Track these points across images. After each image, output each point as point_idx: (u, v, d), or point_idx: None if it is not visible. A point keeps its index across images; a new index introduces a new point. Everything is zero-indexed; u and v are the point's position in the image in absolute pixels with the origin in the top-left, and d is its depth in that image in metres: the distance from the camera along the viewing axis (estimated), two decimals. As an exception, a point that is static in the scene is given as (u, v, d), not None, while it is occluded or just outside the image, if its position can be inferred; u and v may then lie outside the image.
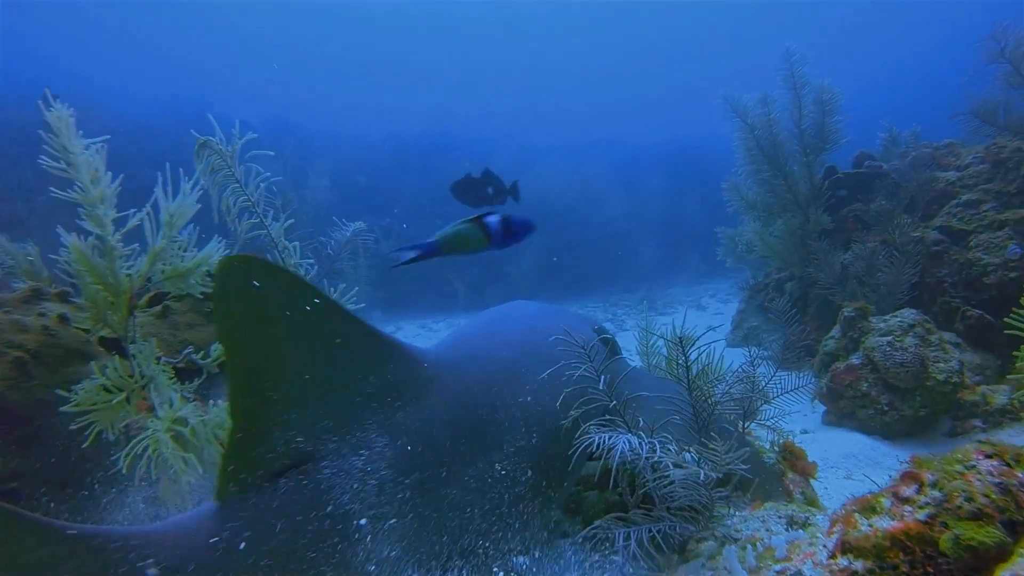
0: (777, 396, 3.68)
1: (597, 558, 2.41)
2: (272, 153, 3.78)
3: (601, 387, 2.49)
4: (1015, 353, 5.72)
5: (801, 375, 5.74)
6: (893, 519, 1.52)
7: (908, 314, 5.07)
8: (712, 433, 2.51)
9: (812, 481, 3.28)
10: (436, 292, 14.42)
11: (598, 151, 19.54)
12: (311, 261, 4.17)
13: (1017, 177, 6.28)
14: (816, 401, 5.43)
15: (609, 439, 2.47)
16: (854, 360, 5.04)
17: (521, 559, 2.36)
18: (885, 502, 1.60)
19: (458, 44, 42.06)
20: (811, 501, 3.09)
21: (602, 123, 25.04)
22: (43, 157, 2.73)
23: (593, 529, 2.42)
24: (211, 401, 3.08)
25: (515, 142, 19.66)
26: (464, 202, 5.98)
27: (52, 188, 2.73)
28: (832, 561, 1.66)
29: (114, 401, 2.62)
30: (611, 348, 3.27)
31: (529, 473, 2.42)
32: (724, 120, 7.79)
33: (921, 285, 6.11)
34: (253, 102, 23.43)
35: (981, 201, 6.31)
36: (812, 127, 7.27)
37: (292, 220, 3.85)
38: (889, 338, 4.90)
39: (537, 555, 2.39)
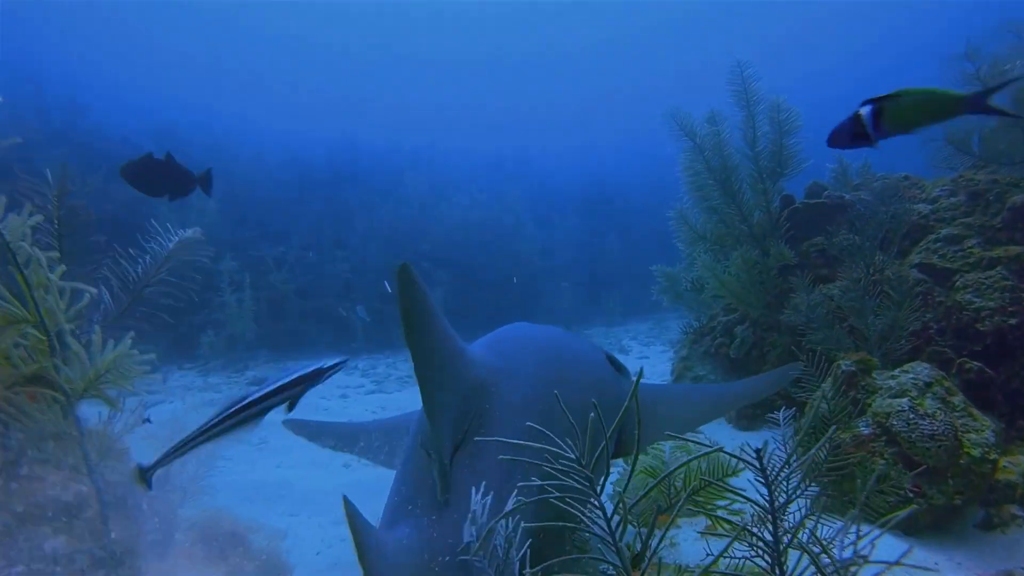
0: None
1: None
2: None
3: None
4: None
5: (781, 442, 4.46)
6: None
7: (921, 370, 3.94)
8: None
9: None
10: (332, 329, 12.63)
11: (511, 186, 18.39)
12: (91, 289, 2.51)
13: (1000, 211, 5.42)
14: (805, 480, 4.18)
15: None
16: (862, 429, 3.83)
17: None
18: None
19: (366, 66, 40.66)
20: None
21: (516, 157, 24.01)
22: None
23: None
24: None
25: (426, 173, 18.23)
26: (138, 188, 4.51)
27: None
28: None
29: None
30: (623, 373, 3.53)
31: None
32: (669, 141, 6.70)
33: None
34: (139, 110, 20.77)
35: (963, 236, 5.40)
36: (768, 149, 6.27)
37: (40, 216, 2.23)
38: (906, 400, 3.73)
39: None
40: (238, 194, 15.53)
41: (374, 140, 21.39)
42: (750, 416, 5.81)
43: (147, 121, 17.96)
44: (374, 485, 4.65)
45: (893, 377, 3.96)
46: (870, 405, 3.89)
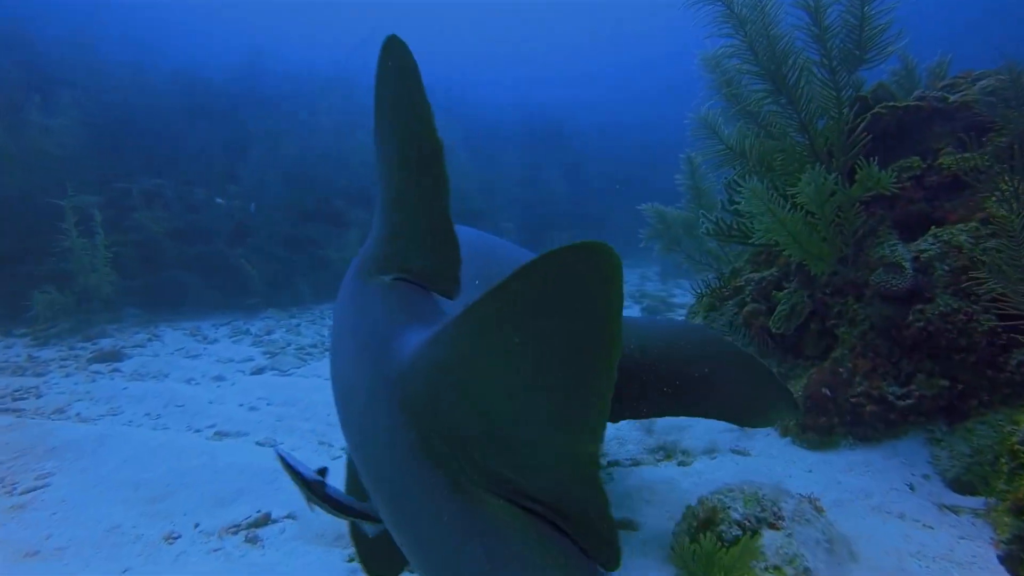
0: None
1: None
2: None
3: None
4: None
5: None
6: None
7: None
8: None
9: None
10: (222, 281, 9.91)
11: (445, 117, 15.69)
12: None
13: None
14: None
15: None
16: None
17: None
18: None
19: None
20: None
21: (449, 84, 21.05)
22: None
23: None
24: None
25: (342, 97, 15.25)
26: None
27: None
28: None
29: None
30: None
31: None
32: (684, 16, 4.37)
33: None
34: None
35: None
36: (841, 23, 4.02)
37: None
38: None
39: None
40: (110, 112, 12.28)
41: (285, 57, 18.06)
42: (822, 428, 3.73)
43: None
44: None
45: None
46: None
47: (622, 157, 18.44)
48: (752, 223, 3.99)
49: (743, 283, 4.76)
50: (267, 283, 9.98)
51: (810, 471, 3.44)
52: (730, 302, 4.80)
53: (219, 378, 6.30)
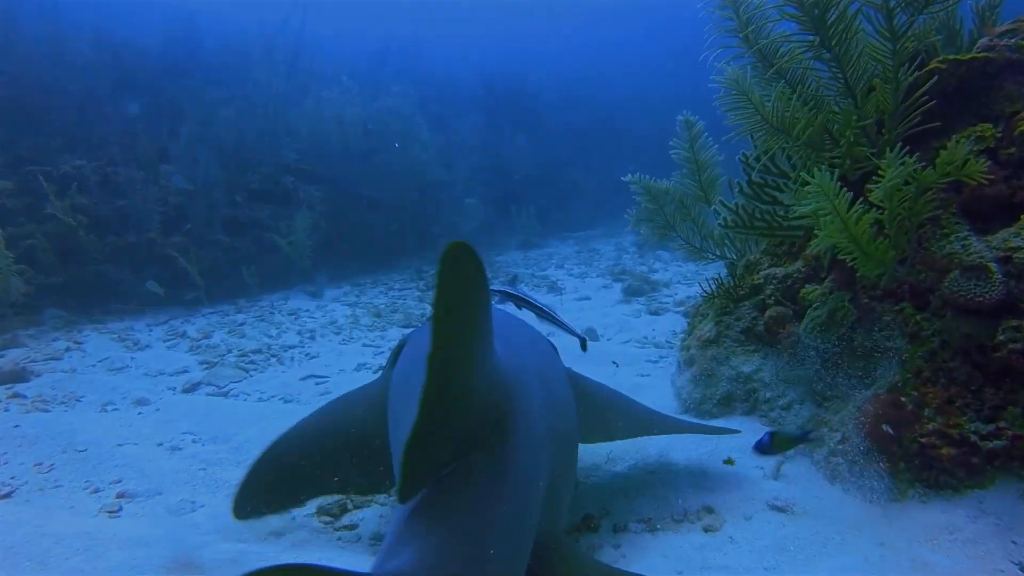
0: None
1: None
2: None
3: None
4: None
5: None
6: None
7: None
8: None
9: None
10: (156, 273, 8.67)
11: (398, 80, 14.32)
12: None
13: None
14: None
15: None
16: None
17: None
18: None
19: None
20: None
21: (403, 47, 19.49)
22: None
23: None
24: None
25: (286, 62, 13.79)
26: None
27: None
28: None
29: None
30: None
31: None
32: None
33: None
34: None
35: None
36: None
37: None
38: None
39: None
40: (19, 83, 10.73)
41: (221, 17, 16.36)
42: (884, 475, 2.88)
43: None
44: None
45: None
46: None
47: (590, 119, 17.43)
48: (790, 216, 3.06)
49: (762, 280, 3.86)
50: (208, 274, 8.79)
51: (882, 543, 2.60)
52: (747, 303, 3.91)
53: (142, 401, 5.22)
